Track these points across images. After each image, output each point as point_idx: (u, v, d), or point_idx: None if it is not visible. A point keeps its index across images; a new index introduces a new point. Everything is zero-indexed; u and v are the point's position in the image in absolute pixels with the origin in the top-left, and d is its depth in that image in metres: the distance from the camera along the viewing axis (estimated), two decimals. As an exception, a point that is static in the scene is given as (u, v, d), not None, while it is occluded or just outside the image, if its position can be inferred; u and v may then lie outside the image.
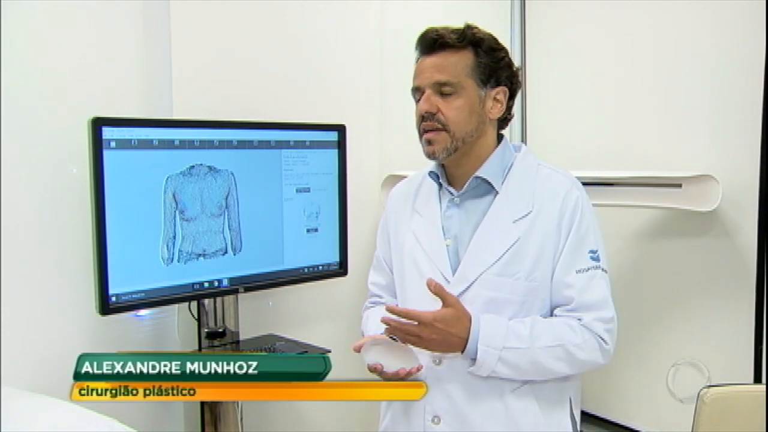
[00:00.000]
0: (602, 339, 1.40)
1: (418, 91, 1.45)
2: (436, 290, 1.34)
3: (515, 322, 1.40)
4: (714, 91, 2.25)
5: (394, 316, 1.33)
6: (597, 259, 1.43)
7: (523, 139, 2.81)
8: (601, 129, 2.58)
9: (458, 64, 1.41)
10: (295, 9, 2.36)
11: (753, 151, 2.13)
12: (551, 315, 1.44)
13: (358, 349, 1.39)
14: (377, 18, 2.61)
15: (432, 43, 1.42)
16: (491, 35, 1.46)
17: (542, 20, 2.77)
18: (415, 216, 1.56)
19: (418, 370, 1.39)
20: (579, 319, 1.40)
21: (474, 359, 1.37)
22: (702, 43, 2.27)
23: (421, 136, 1.45)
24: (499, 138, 1.52)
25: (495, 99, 1.45)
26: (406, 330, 1.34)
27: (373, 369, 1.38)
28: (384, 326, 1.51)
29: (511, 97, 1.49)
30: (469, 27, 1.44)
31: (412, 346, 1.39)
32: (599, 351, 1.40)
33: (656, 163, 2.36)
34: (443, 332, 1.34)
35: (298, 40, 2.38)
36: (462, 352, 1.37)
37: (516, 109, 1.55)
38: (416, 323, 1.33)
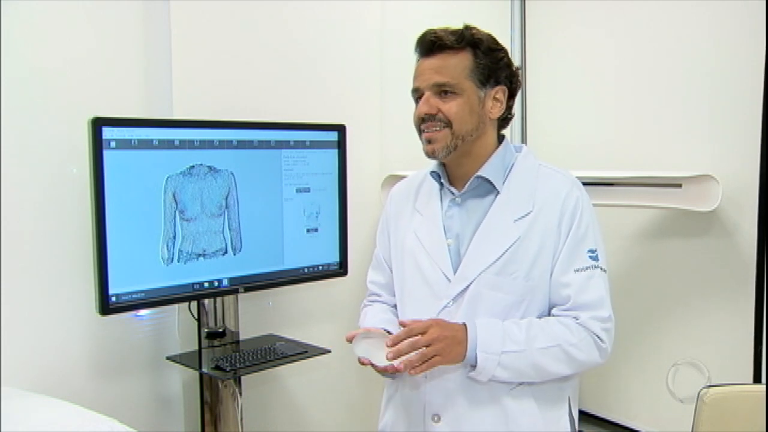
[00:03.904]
0: (599, 338, 1.40)
1: (417, 93, 1.46)
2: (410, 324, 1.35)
3: (511, 323, 1.40)
4: (714, 91, 2.25)
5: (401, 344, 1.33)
6: (596, 259, 1.43)
7: (524, 139, 2.81)
8: (601, 129, 2.59)
9: (457, 65, 1.41)
10: (295, 9, 2.36)
11: (753, 151, 2.13)
12: (549, 313, 1.45)
13: (350, 340, 1.40)
14: (377, 18, 2.61)
15: (430, 45, 1.42)
16: (490, 35, 1.46)
17: (542, 20, 2.77)
18: (416, 215, 1.56)
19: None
20: (575, 318, 1.40)
21: (474, 365, 1.37)
22: (702, 43, 2.27)
23: (420, 135, 1.46)
24: (501, 138, 1.52)
25: (495, 99, 1.46)
26: (416, 343, 1.32)
27: (361, 362, 1.39)
28: (381, 322, 1.53)
29: (511, 97, 1.50)
30: (467, 28, 1.44)
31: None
32: (596, 350, 1.40)
33: (656, 163, 2.36)
34: (446, 327, 1.35)
35: (298, 40, 2.38)
36: (463, 359, 1.37)
37: (516, 108, 1.55)
38: (422, 333, 1.33)
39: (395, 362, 1.33)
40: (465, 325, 1.39)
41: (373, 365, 1.38)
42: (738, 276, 2.21)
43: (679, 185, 2.15)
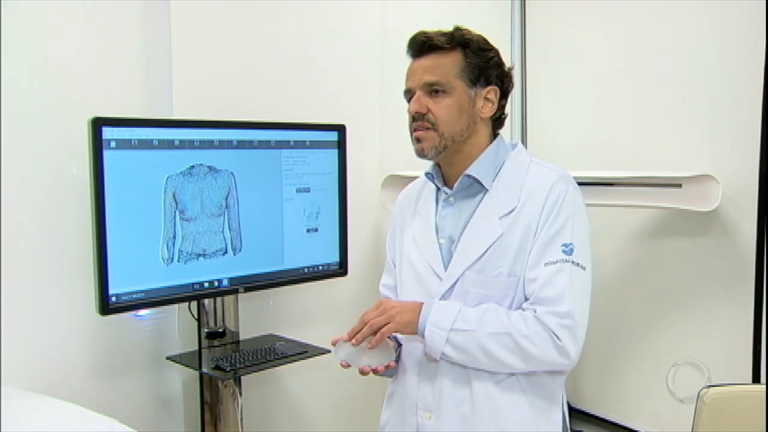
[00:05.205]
0: (555, 334, 1.34)
1: (409, 93, 1.47)
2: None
3: (473, 308, 1.40)
4: (714, 91, 2.25)
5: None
6: (569, 253, 1.38)
7: (524, 139, 2.81)
8: (601, 129, 2.59)
9: (447, 65, 1.42)
10: (296, 9, 2.36)
11: (753, 151, 2.13)
12: None
13: (335, 343, 1.46)
14: (377, 18, 2.61)
15: (421, 45, 1.44)
16: (481, 36, 1.47)
17: (542, 20, 2.77)
18: (416, 218, 1.57)
19: (387, 368, 1.46)
20: (534, 312, 1.37)
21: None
22: (702, 43, 2.28)
23: (411, 135, 1.47)
24: (496, 138, 1.52)
25: (486, 98, 1.46)
26: (365, 317, 1.41)
27: (342, 365, 1.46)
28: None
29: (504, 97, 1.50)
30: (458, 29, 1.45)
31: (390, 343, 1.48)
32: (553, 347, 1.35)
33: (656, 163, 2.36)
34: (397, 300, 1.48)
35: (299, 40, 2.38)
36: (415, 329, 1.42)
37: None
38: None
39: (352, 341, 1.41)
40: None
41: (360, 369, 1.44)
42: (738, 276, 2.21)
43: (679, 185, 2.15)
